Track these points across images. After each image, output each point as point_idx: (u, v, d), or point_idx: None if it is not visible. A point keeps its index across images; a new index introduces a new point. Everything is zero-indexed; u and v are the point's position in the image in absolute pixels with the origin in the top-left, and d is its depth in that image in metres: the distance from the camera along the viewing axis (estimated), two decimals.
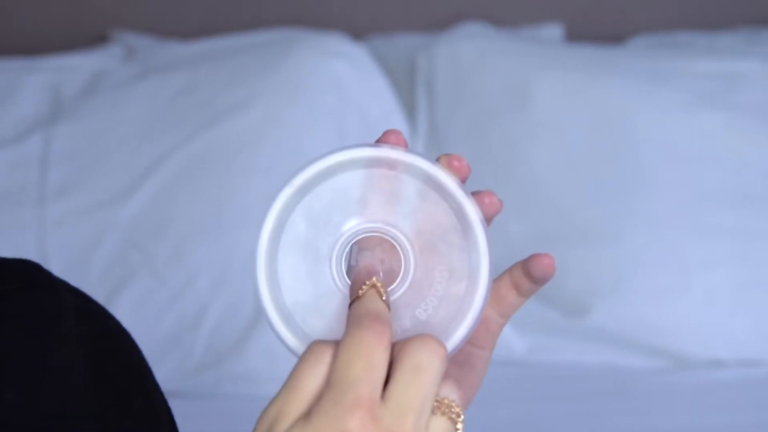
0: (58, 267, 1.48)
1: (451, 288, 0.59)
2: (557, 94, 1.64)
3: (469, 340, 0.63)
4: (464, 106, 1.68)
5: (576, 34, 1.86)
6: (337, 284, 0.59)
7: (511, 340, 1.56)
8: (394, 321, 0.59)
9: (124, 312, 1.46)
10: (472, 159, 1.76)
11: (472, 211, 0.58)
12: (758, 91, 1.65)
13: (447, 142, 1.67)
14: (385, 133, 0.61)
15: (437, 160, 0.60)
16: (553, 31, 1.84)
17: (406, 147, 0.60)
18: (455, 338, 0.58)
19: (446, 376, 0.62)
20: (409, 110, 1.71)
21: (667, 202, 1.58)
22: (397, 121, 1.65)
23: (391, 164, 0.59)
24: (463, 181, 0.60)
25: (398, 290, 0.59)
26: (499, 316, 0.63)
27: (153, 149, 1.54)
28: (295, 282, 0.59)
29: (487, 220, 0.61)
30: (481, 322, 0.63)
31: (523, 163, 1.62)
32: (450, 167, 0.60)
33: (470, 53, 1.69)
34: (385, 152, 0.59)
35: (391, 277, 0.59)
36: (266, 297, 0.59)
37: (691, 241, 1.57)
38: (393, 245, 0.59)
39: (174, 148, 1.54)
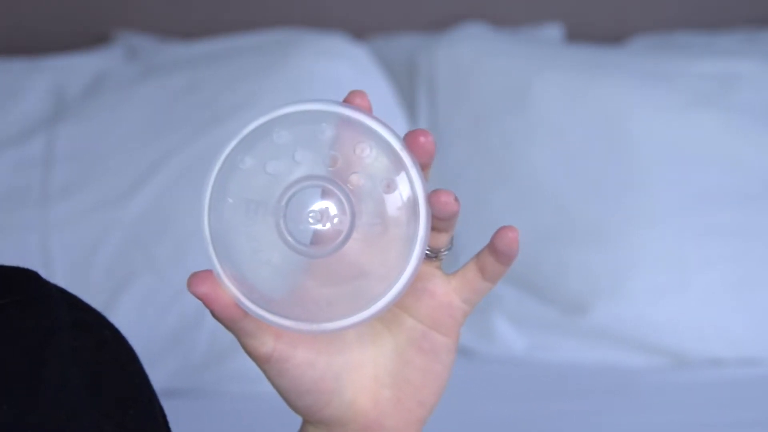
0: (61, 267, 1.48)
1: (382, 259, 0.59)
2: (557, 95, 1.64)
3: (432, 327, 0.63)
4: (465, 106, 1.69)
5: (575, 34, 1.87)
6: (280, 236, 0.59)
7: (511, 339, 1.57)
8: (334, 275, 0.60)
9: (126, 311, 1.46)
10: (473, 158, 1.78)
11: (420, 187, 0.59)
12: (756, 91, 1.66)
13: (447, 142, 1.67)
14: (350, 93, 0.61)
15: (404, 137, 0.60)
16: (553, 31, 1.85)
17: (370, 110, 0.60)
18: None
19: (408, 365, 0.63)
20: (410, 110, 1.72)
21: (666, 202, 1.59)
22: (397, 121, 1.66)
23: (348, 123, 0.59)
24: (428, 156, 0.60)
25: (345, 244, 0.59)
26: (463, 302, 0.63)
27: (155, 149, 1.54)
28: (235, 234, 0.59)
29: (444, 219, 0.61)
30: (445, 308, 0.63)
31: (523, 162, 1.62)
32: (415, 142, 0.60)
33: (470, 54, 1.69)
34: (338, 108, 0.59)
35: (330, 232, 0.59)
36: (211, 248, 0.59)
37: (690, 240, 1.57)
38: (340, 199, 0.59)
39: (176, 148, 1.54)
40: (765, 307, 1.57)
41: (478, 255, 0.63)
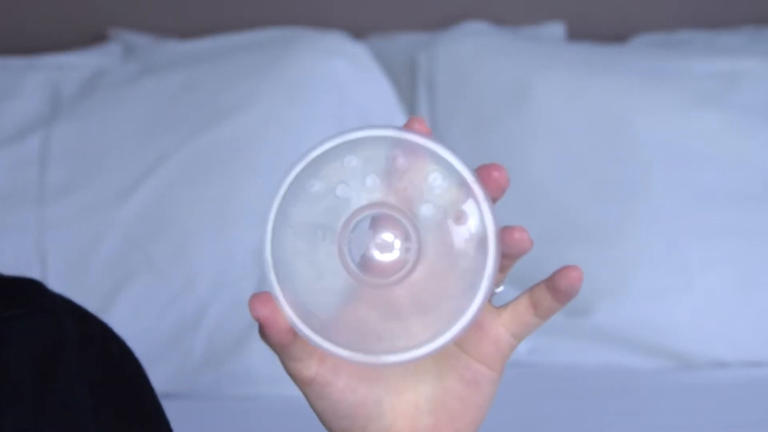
0: (57, 267, 1.48)
1: (445, 293, 0.58)
2: (558, 93, 1.64)
3: (477, 358, 0.62)
4: (465, 105, 1.68)
5: (577, 33, 1.87)
6: (343, 263, 0.58)
7: None
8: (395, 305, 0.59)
9: (123, 312, 1.46)
10: (473, 158, 1.77)
11: (491, 223, 0.58)
12: (758, 90, 1.66)
13: (448, 141, 1.66)
14: (410, 120, 0.60)
15: (476, 169, 0.59)
16: (554, 30, 1.84)
17: (430, 135, 0.59)
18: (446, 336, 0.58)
19: (449, 394, 0.62)
20: (410, 109, 1.71)
21: (668, 202, 1.58)
22: (397, 120, 1.65)
23: (413, 149, 0.58)
24: (500, 191, 0.59)
25: (409, 275, 0.58)
26: (511, 337, 0.62)
27: (153, 148, 1.54)
28: (297, 259, 0.58)
29: (513, 256, 0.60)
30: (492, 341, 0.62)
31: (524, 162, 1.62)
32: (489, 176, 0.59)
33: (471, 52, 1.69)
34: (410, 136, 0.58)
35: (395, 263, 0.58)
36: (274, 279, 0.58)
37: (692, 241, 1.57)
38: (406, 228, 0.59)
39: (174, 147, 1.54)
40: None
41: (531, 290, 0.62)
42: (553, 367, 1.54)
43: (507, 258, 0.60)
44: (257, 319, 0.57)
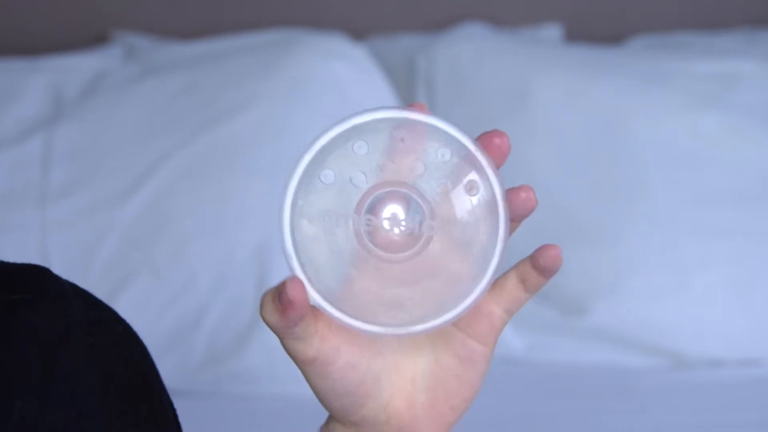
0: (59, 267, 1.47)
1: (462, 261, 0.60)
2: (556, 95, 1.64)
3: (471, 335, 0.63)
4: (464, 106, 1.69)
5: (575, 35, 1.87)
6: (363, 245, 0.60)
7: (510, 339, 1.56)
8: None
9: (124, 312, 1.44)
10: None
11: (498, 188, 0.60)
12: (756, 91, 1.66)
13: None
14: (411, 105, 0.61)
15: (478, 138, 0.60)
16: (553, 31, 1.84)
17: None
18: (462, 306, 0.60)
19: (444, 370, 0.63)
20: None
21: (666, 202, 1.59)
22: None
23: (414, 126, 0.60)
24: (503, 157, 0.61)
25: (426, 247, 0.60)
26: (503, 312, 0.63)
27: (154, 149, 1.54)
28: (312, 244, 0.59)
29: (519, 217, 0.61)
30: (485, 317, 0.63)
31: (523, 163, 1.63)
32: (491, 143, 0.60)
33: (470, 54, 1.69)
34: (410, 114, 0.60)
35: (411, 237, 0.60)
36: (296, 265, 0.59)
37: (690, 241, 1.57)
38: (417, 203, 0.60)
39: (175, 148, 1.54)
40: (765, 307, 1.57)
41: (518, 267, 0.63)
42: (551, 365, 1.55)
43: (513, 220, 0.61)
44: (290, 301, 0.57)
